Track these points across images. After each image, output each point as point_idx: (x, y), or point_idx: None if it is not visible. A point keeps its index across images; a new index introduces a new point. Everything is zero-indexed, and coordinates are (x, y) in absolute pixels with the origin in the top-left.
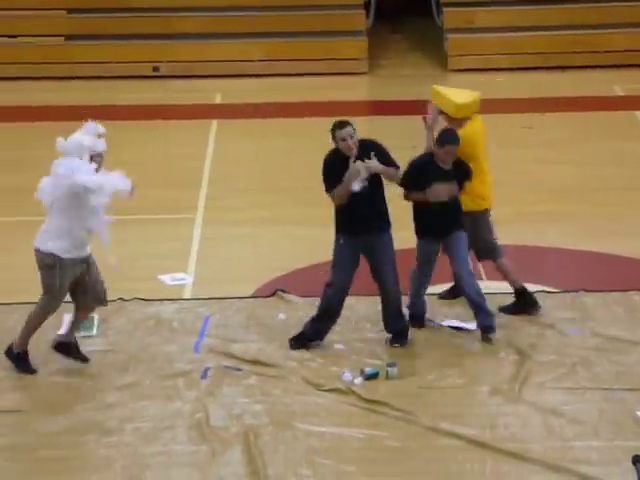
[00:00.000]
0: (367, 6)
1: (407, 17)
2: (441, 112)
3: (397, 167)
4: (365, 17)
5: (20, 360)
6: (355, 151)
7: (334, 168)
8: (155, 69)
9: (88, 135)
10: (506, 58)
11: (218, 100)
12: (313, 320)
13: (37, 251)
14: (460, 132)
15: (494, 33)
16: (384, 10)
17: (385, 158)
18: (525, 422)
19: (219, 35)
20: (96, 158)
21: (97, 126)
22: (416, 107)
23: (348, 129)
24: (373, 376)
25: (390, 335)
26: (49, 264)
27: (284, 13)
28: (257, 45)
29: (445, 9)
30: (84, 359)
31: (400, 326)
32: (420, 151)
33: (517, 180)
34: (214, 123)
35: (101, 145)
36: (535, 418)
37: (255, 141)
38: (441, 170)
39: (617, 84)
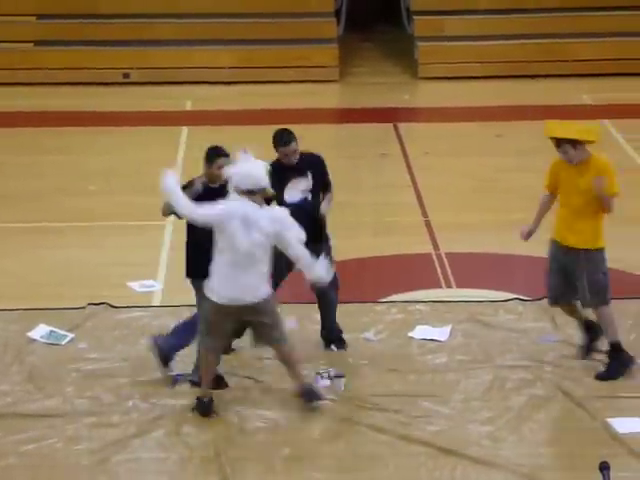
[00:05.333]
0: (338, 14)
1: (378, 25)
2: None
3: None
4: (336, 25)
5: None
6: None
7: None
8: (125, 76)
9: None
10: (476, 66)
11: (188, 107)
12: None
13: None
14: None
15: (464, 41)
16: (355, 18)
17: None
18: (495, 429)
19: (190, 42)
20: None
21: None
22: (386, 115)
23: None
24: (339, 376)
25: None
26: None
27: (255, 20)
28: (228, 52)
29: (415, 17)
30: None
31: (337, 334)
32: (390, 158)
33: (487, 188)
34: (184, 130)
35: None
36: (505, 425)
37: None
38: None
39: (586, 93)
